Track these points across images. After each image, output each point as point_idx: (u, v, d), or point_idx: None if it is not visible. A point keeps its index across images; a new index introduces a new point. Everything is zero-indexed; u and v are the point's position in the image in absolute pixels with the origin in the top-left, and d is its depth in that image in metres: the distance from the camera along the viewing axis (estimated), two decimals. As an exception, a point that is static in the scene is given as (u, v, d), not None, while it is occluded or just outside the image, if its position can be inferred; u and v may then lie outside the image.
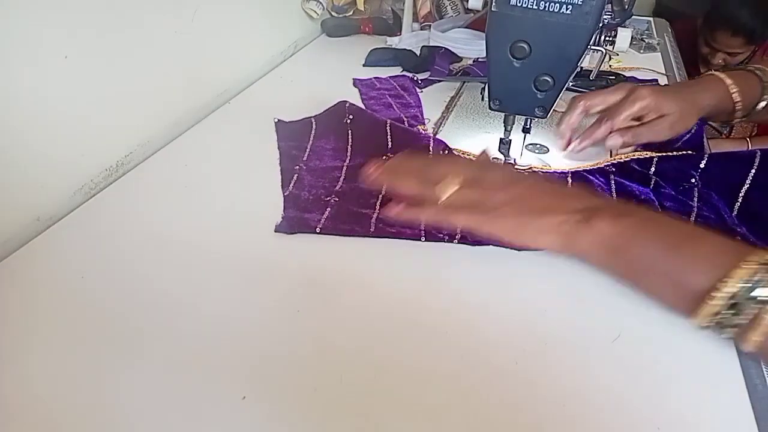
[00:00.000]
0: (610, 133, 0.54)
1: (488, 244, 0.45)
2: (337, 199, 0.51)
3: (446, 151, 0.56)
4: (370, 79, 0.78)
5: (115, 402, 0.33)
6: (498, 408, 0.33)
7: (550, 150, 0.59)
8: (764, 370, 0.35)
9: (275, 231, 0.47)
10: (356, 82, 0.77)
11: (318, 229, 0.47)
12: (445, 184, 0.40)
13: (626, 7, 0.52)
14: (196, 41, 0.68)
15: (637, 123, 0.54)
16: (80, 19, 0.52)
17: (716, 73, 0.58)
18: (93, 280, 0.42)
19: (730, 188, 0.46)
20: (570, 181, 0.52)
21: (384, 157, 0.55)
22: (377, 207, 0.49)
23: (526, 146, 0.56)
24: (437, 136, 0.59)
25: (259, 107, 0.70)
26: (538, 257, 0.44)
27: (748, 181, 0.47)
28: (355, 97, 0.71)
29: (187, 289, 0.41)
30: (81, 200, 0.53)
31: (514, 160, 0.56)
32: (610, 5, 0.50)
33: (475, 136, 0.63)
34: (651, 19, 1.13)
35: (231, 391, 0.33)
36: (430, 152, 0.54)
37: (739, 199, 0.46)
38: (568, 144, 0.56)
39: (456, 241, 0.46)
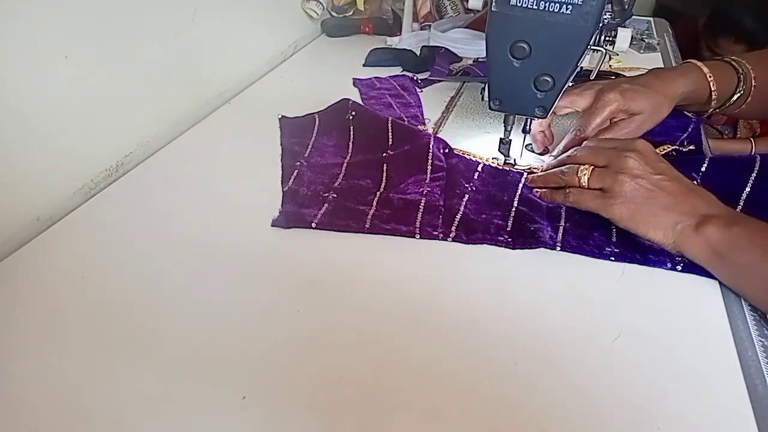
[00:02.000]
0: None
1: (482, 243, 0.46)
2: (335, 196, 0.51)
3: (446, 150, 0.56)
4: (370, 78, 0.78)
5: (115, 402, 0.33)
6: (498, 407, 0.33)
7: (549, 150, 0.59)
8: (764, 370, 0.35)
9: (272, 225, 0.48)
10: (356, 82, 0.77)
11: (314, 224, 0.47)
12: (583, 169, 0.46)
13: (626, 7, 0.52)
14: (196, 41, 0.68)
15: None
16: (80, 19, 0.52)
17: (694, 61, 0.57)
18: (93, 280, 0.42)
19: (731, 193, 0.46)
20: None
21: (384, 154, 0.55)
22: (374, 204, 0.50)
23: (525, 146, 0.56)
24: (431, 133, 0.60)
25: (259, 107, 0.70)
26: (538, 257, 0.44)
27: (748, 186, 0.46)
28: (355, 97, 0.71)
29: (187, 289, 0.41)
30: (81, 200, 0.53)
31: (514, 160, 0.56)
32: (610, 5, 0.50)
33: (475, 136, 0.63)
34: (651, 19, 1.13)
35: (231, 391, 0.33)
36: (430, 150, 0.54)
37: (741, 202, 0.46)
38: (544, 150, 0.57)
39: (450, 239, 0.46)
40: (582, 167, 0.46)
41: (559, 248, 0.44)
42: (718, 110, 0.59)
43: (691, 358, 0.36)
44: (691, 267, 0.42)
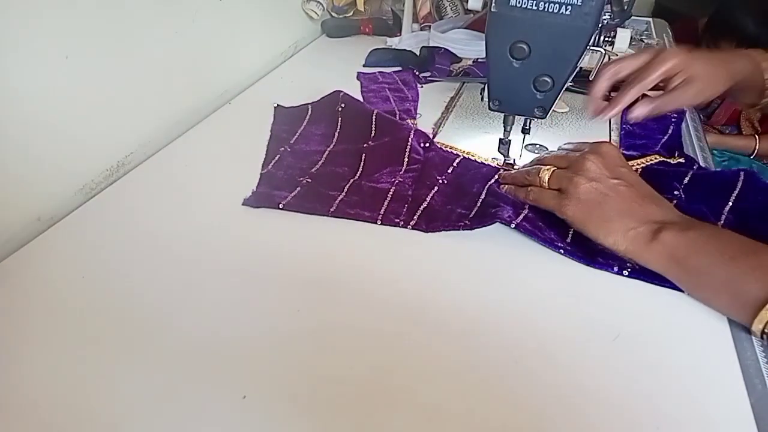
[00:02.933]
0: (639, 100, 0.52)
1: (440, 230, 0.47)
2: (309, 181, 0.53)
3: (427, 144, 0.57)
4: (374, 73, 0.79)
5: (115, 402, 0.33)
6: (497, 407, 0.33)
7: (549, 150, 0.59)
8: (764, 370, 0.35)
9: (242, 204, 0.50)
10: (359, 75, 0.79)
11: (281, 205, 0.49)
12: (544, 170, 0.47)
13: (625, 7, 0.52)
14: (196, 41, 0.68)
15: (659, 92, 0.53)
16: (80, 19, 0.52)
17: (750, 50, 0.56)
18: (93, 280, 0.43)
19: (713, 207, 0.46)
20: None
21: (365, 145, 0.57)
22: (345, 190, 0.51)
23: (525, 146, 0.56)
24: (419, 128, 0.60)
25: (259, 108, 0.70)
26: (539, 257, 0.44)
27: (730, 202, 0.46)
28: (355, 93, 0.72)
29: (187, 289, 0.41)
30: (82, 200, 0.53)
31: (514, 160, 0.56)
32: (609, 6, 0.50)
33: (474, 136, 0.63)
34: (650, 19, 1.13)
35: (231, 391, 0.33)
36: (409, 143, 0.56)
37: (723, 216, 0.45)
38: (601, 111, 0.54)
39: (410, 227, 0.47)
40: (545, 167, 0.47)
41: (513, 226, 0.45)
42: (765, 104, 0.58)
43: (691, 358, 0.36)
44: (638, 273, 0.41)
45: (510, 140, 0.55)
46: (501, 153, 0.56)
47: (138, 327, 0.38)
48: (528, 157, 0.57)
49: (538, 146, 0.60)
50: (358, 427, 0.32)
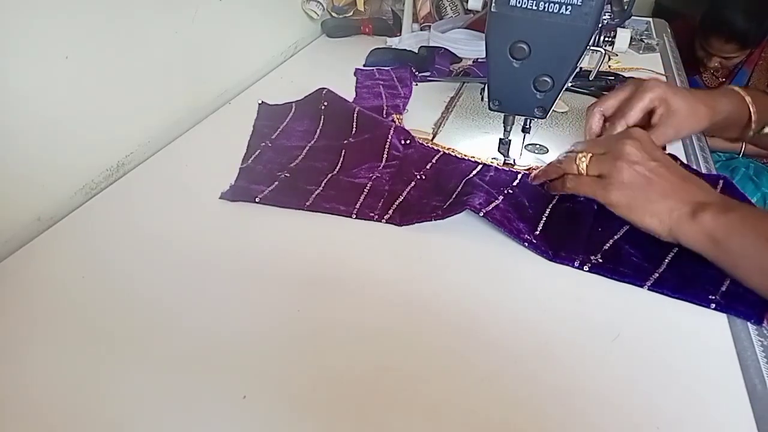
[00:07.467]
0: None
1: (412, 222, 0.47)
2: (288, 175, 0.53)
3: (408, 141, 0.58)
4: (372, 69, 0.80)
5: (115, 402, 0.33)
6: (497, 407, 0.33)
7: (549, 150, 0.59)
8: (764, 370, 0.35)
9: (219, 198, 0.50)
10: (357, 72, 0.79)
11: (257, 199, 0.50)
12: (581, 156, 0.46)
13: (625, 7, 0.52)
14: (196, 41, 0.68)
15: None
16: (80, 19, 0.52)
17: (734, 87, 0.57)
18: (93, 280, 0.43)
19: None
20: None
21: (345, 141, 0.58)
22: (323, 184, 0.52)
23: (525, 146, 0.56)
24: (402, 125, 0.61)
25: (259, 108, 0.70)
26: (539, 257, 0.44)
27: None
28: (352, 87, 0.73)
29: (188, 289, 0.41)
30: (82, 200, 0.53)
31: (514, 160, 0.56)
32: (609, 6, 0.50)
33: (474, 136, 0.63)
34: (650, 19, 1.13)
35: (231, 391, 0.33)
36: (388, 140, 0.56)
37: None
38: None
39: (384, 221, 0.48)
40: (580, 154, 0.46)
41: (481, 215, 0.45)
42: (751, 138, 0.57)
43: (691, 358, 0.36)
44: (598, 269, 0.42)
45: (510, 140, 0.55)
46: (501, 153, 0.56)
47: (138, 327, 0.38)
48: (528, 157, 0.57)
49: (538, 146, 0.60)
50: (358, 427, 0.32)
